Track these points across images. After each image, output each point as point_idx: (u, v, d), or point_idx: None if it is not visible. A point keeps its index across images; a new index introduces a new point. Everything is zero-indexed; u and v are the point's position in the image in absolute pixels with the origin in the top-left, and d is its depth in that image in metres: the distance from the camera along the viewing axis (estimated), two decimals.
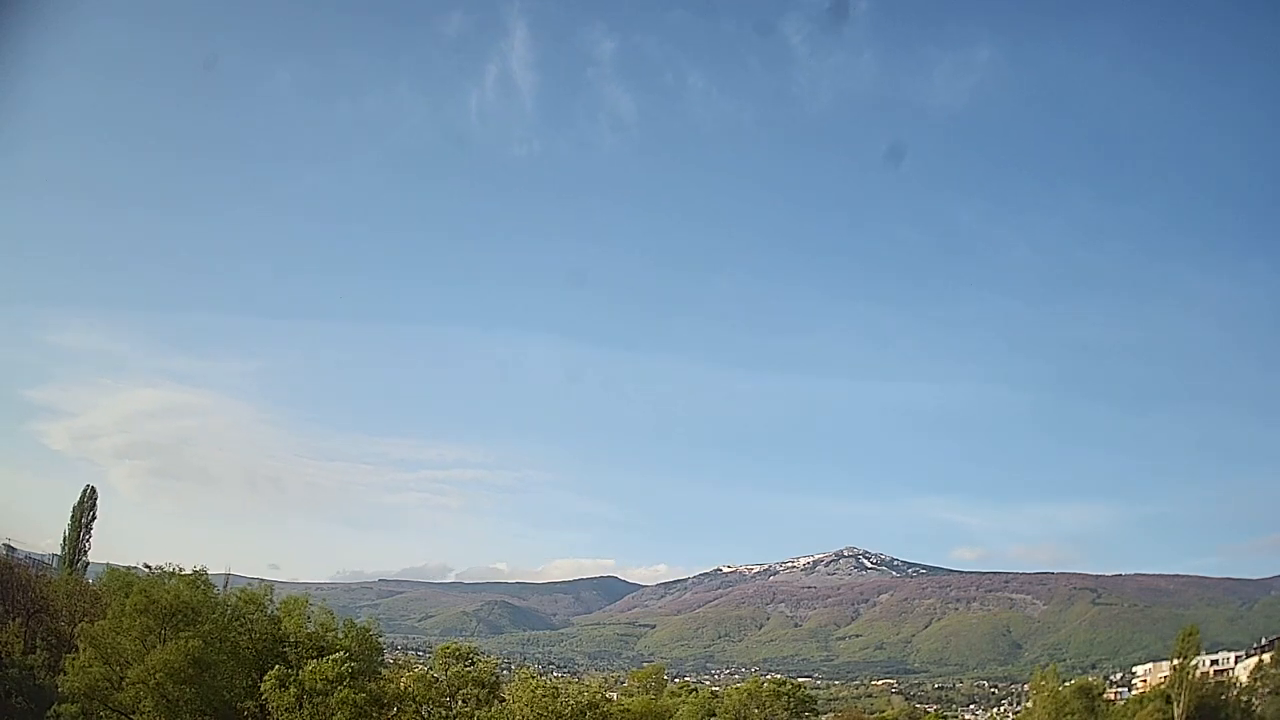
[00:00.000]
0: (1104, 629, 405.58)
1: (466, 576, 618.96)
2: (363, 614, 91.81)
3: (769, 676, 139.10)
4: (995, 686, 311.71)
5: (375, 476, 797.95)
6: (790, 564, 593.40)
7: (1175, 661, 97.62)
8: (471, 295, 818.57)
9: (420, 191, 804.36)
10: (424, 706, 58.89)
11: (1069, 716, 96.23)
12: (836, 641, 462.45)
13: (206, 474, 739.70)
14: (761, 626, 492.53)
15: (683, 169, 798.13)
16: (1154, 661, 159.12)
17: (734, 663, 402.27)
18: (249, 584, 66.58)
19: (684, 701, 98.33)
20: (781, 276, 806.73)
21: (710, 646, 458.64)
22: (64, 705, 52.86)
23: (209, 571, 59.83)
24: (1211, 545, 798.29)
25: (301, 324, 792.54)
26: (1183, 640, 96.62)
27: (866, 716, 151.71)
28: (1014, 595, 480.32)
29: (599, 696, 62.06)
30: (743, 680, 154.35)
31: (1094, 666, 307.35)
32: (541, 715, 54.95)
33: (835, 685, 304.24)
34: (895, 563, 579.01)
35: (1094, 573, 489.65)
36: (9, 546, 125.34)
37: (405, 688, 58.94)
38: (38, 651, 65.95)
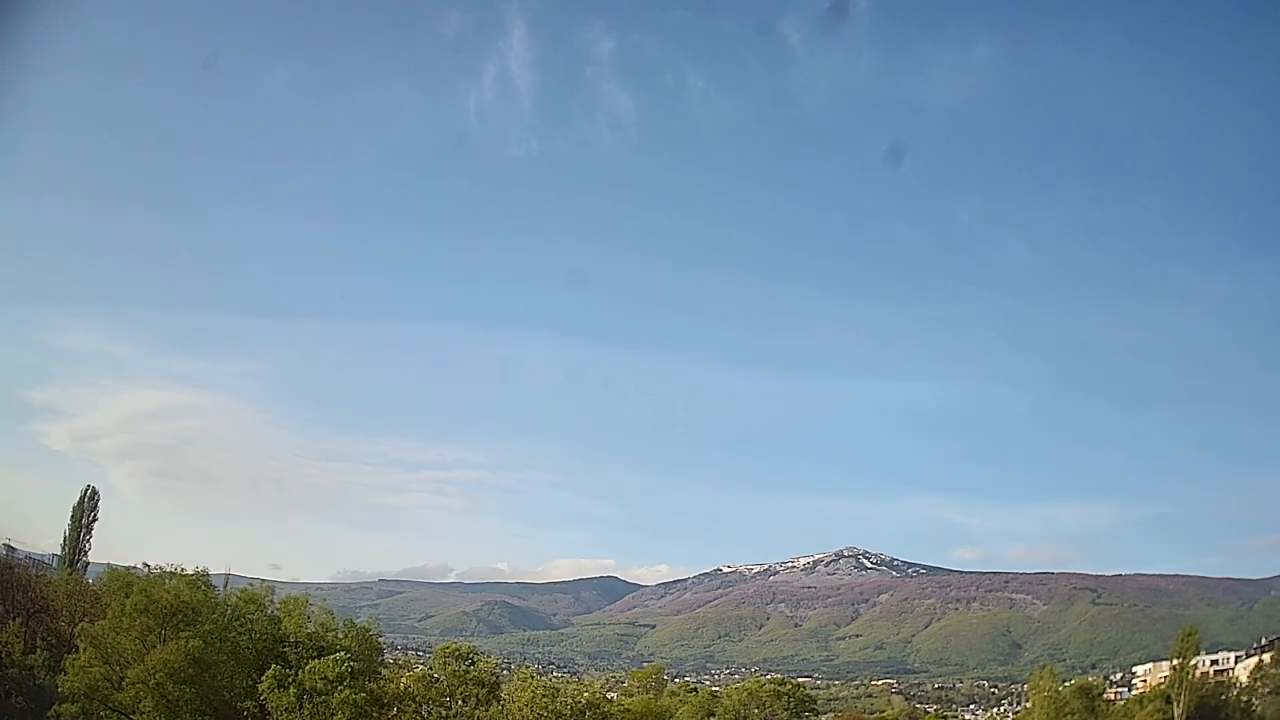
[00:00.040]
0: (1104, 629, 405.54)
1: (467, 576, 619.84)
2: (362, 614, 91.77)
3: (769, 676, 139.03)
4: (995, 686, 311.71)
5: (376, 477, 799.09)
6: (790, 564, 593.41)
7: (1175, 661, 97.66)
8: (471, 295, 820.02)
9: (419, 191, 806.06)
10: (424, 706, 58.90)
11: (1069, 716, 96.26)
12: (836, 641, 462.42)
13: (207, 474, 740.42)
14: (761, 626, 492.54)
15: (682, 168, 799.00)
16: (1154, 661, 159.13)
17: (734, 663, 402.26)
18: (249, 584, 66.62)
19: (684, 702, 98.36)
20: (780, 276, 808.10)
21: (710, 646, 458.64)
22: (64, 705, 52.88)
23: (209, 571, 60.01)
24: (1211, 545, 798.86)
25: (302, 324, 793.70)
26: (1182, 640, 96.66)
27: (866, 716, 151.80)
28: (1014, 595, 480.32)
29: (598, 696, 62.12)
30: (743, 680, 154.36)
31: (1094, 666, 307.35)
32: (541, 715, 54.96)
33: (835, 685, 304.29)
34: (895, 563, 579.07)
35: (1094, 573, 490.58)
36: (9, 546, 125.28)
37: (405, 688, 58.96)
38: (38, 651, 65.94)
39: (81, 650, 53.71)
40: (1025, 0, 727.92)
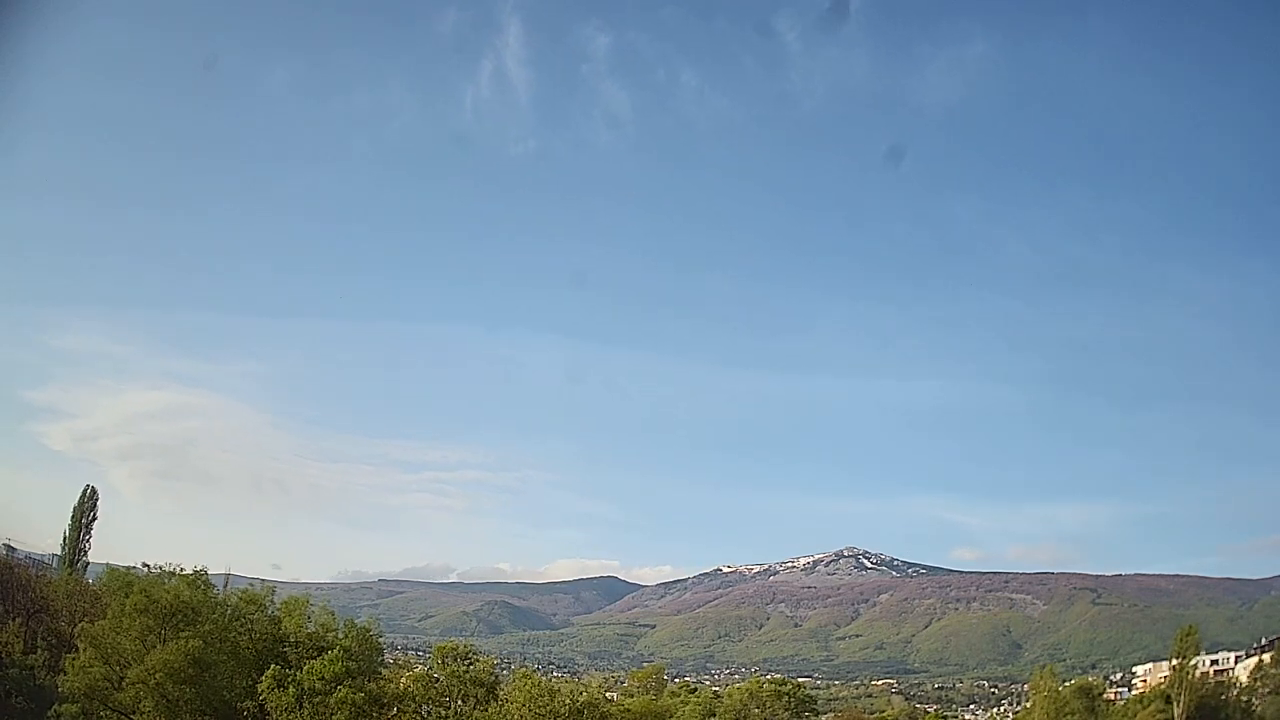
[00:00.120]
0: (1104, 629, 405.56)
1: (468, 577, 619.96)
2: (363, 614, 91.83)
3: (769, 676, 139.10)
4: (995, 686, 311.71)
5: (377, 477, 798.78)
6: (790, 564, 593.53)
7: (1175, 661, 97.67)
8: (472, 295, 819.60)
9: (418, 190, 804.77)
10: (423, 706, 58.89)
11: (1069, 716, 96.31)
12: (836, 641, 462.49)
13: (208, 475, 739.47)
14: (761, 626, 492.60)
15: (678, 167, 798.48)
16: (1154, 661, 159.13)
17: (734, 663, 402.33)
18: (249, 584, 66.65)
19: (685, 701, 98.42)
20: (781, 277, 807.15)
21: (710, 646, 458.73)
22: (64, 705, 52.92)
23: (209, 571, 60.06)
24: (1211, 545, 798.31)
25: (303, 324, 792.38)
26: (1182, 640, 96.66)
27: (866, 716, 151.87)
28: (1014, 595, 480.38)
29: (597, 696, 62.06)
30: (743, 680, 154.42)
31: (1094, 666, 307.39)
32: (540, 715, 54.92)
33: (835, 685, 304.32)
34: (895, 563, 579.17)
35: (1094, 573, 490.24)
36: (9, 546, 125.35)
37: (405, 688, 58.95)
38: (38, 651, 66.02)
39: (81, 650, 53.74)
40: None
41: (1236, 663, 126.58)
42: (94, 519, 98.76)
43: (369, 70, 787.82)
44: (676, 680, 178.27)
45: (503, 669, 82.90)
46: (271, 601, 60.14)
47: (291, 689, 49.43)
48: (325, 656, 51.62)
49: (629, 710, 67.86)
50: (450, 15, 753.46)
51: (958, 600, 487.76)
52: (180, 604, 53.43)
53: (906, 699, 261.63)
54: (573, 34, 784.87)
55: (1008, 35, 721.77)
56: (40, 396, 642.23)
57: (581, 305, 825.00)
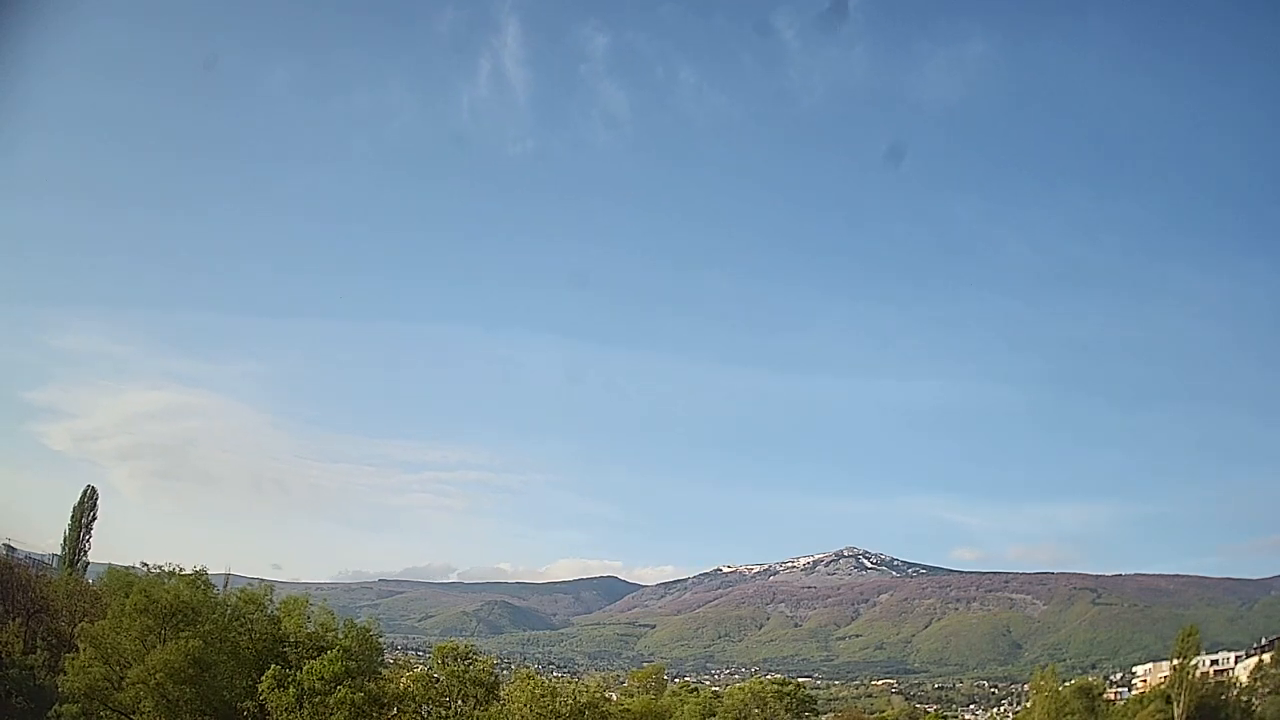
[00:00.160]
0: (1104, 629, 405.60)
1: (468, 577, 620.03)
2: (362, 614, 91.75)
3: (769, 676, 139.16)
4: (995, 686, 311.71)
5: (378, 478, 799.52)
6: (790, 564, 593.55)
7: (1175, 661, 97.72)
8: (471, 295, 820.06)
9: (417, 190, 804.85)
10: (423, 706, 58.87)
11: (1069, 716, 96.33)
12: (836, 641, 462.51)
13: (209, 475, 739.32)
14: (761, 626, 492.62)
15: (677, 166, 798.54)
16: (1154, 661, 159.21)
17: (734, 663, 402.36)
18: (249, 584, 66.66)
19: (685, 701, 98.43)
20: (780, 276, 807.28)
21: (710, 646, 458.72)
22: (64, 705, 52.94)
23: (209, 571, 60.03)
24: (1211, 545, 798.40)
25: (303, 323, 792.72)
26: (1182, 640, 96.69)
27: (866, 716, 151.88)
28: (1014, 595, 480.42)
29: (597, 696, 62.00)
30: (743, 680, 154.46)
31: (1094, 666, 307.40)
32: (541, 716, 54.91)
33: (835, 685, 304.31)
34: (895, 563, 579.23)
35: (1094, 573, 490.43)
36: (9, 546, 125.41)
37: (405, 688, 58.93)
38: (38, 651, 66.02)
39: (81, 650, 53.73)
40: None
41: (1236, 663, 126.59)
42: (94, 519, 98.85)
43: (368, 70, 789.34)
44: (676, 680, 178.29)
45: (503, 669, 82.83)
46: (271, 601, 60.11)
47: (291, 689, 49.41)
48: (325, 656, 51.59)
49: (629, 710, 67.82)
50: (448, 15, 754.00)
51: (958, 600, 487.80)
52: (180, 604, 53.41)
53: (906, 699, 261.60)
54: (571, 33, 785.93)
55: (1007, 35, 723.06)
56: (40, 396, 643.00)
57: (580, 304, 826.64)
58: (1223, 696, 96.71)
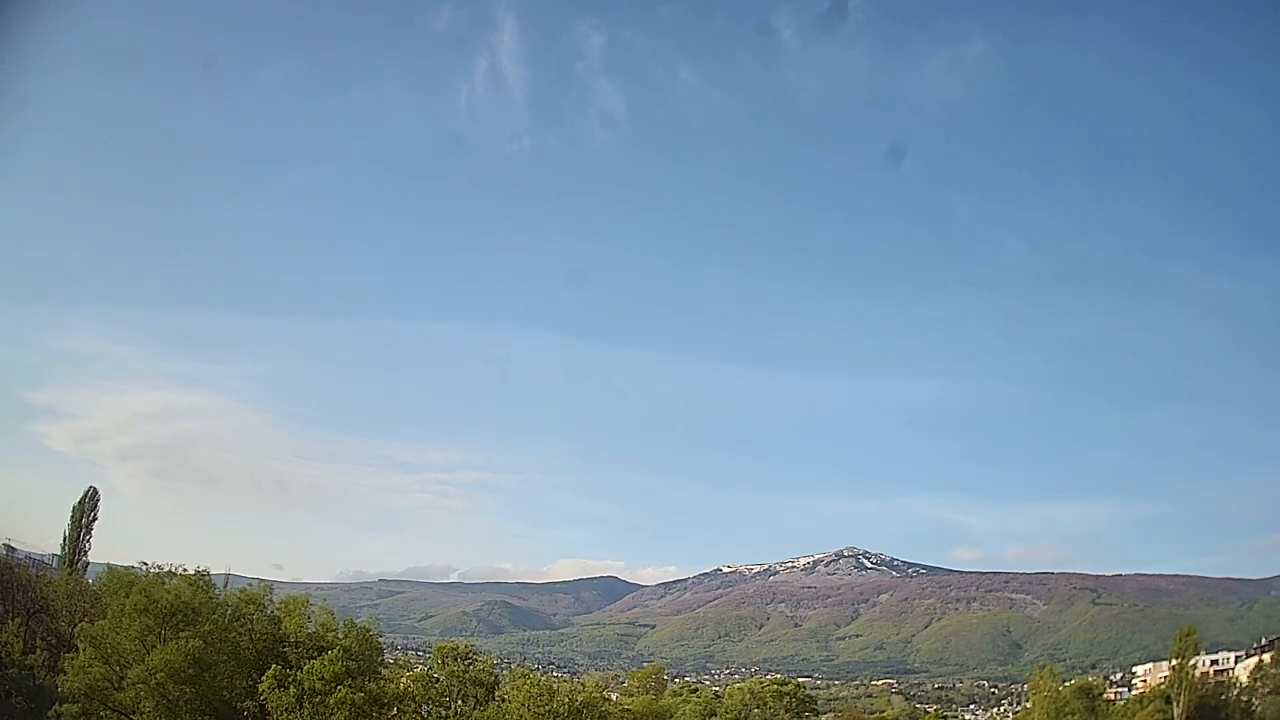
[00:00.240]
0: (1104, 629, 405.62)
1: (469, 577, 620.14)
2: (362, 614, 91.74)
3: (770, 676, 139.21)
4: (995, 686, 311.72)
5: (379, 478, 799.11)
6: (790, 564, 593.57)
7: (1175, 661, 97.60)
8: (470, 294, 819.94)
9: (418, 190, 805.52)
10: (423, 706, 58.91)
11: (1069, 716, 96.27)
12: (836, 641, 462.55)
13: (209, 475, 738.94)
14: (761, 626, 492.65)
15: (675, 165, 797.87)
16: (1154, 661, 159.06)
17: (734, 663, 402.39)
18: (249, 584, 66.64)
19: (686, 701, 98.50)
20: (778, 273, 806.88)
21: (710, 646, 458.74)
22: (64, 705, 52.91)
23: (209, 571, 60.01)
24: (1211, 545, 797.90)
25: (303, 323, 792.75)
26: (1182, 640, 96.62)
27: (866, 716, 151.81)
28: (1014, 595, 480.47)
29: (595, 696, 62.04)
30: (743, 680, 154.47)
31: (1094, 666, 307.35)
32: (539, 715, 54.92)
33: (835, 685, 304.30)
34: (895, 563, 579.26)
35: (1094, 573, 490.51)
36: (9, 546, 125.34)
37: (405, 688, 58.97)
38: (38, 651, 66.01)
39: (81, 650, 53.73)
40: None
41: (1236, 663, 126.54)
42: (94, 519, 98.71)
43: (366, 69, 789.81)
44: (676, 680, 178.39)
45: (503, 669, 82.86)
46: (271, 601, 60.11)
47: (292, 689, 49.45)
48: (325, 656, 51.62)
49: (629, 710, 67.89)
50: (445, 13, 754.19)
51: (958, 600, 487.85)
52: (180, 604, 53.40)
53: (906, 699, 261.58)
54: (567, 32, 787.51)
55: (1007, 35, 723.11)
56: (41, 397, 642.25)
57: (579, 304, 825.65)
58: (1223, 696, 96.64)
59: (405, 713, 57.30)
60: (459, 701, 59.15)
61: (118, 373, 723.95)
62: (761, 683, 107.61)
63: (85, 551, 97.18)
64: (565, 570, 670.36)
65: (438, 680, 60.78)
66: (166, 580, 57.79)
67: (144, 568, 63.07)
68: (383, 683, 57.88)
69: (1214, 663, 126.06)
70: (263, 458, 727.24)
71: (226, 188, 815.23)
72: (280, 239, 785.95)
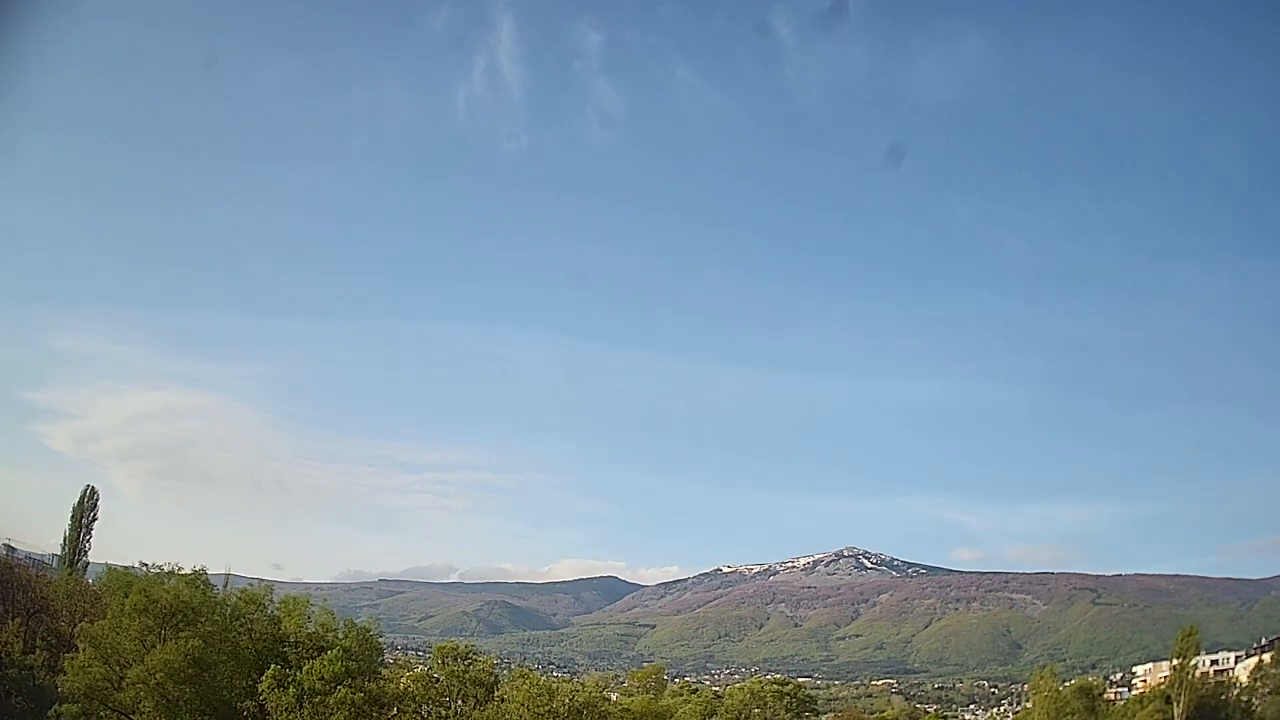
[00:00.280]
0: (1104, 629, 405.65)
1: (469, 577, 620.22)
2: (362, 614, 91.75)
3: (770, 676, 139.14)
4: (995, 686, 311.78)
5: (379, 478, 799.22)
6: (790, 564, 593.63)
7: (1175, 661, 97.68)
8: (470, 294, 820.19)
9: (417, 189, 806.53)
10: (423, 706, 58.89)
11: (1069, 716, 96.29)
12: (836, 641, 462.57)
13: (209, 475, 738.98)
14: (761, 626, 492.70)
15: (674, 163, 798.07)
16: (1154, 661, 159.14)
17: (734, 663, 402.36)
18: (249, 584, 66.66)
19: (686, 701, 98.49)
20: (777, 273, 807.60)
21: (710, 646, 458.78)
22: (64, 705, 52.88)
23: (210, 571, 60.04)
24: (1211, 545, 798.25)
25: (303, 323, 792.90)
26: (1182, 640, 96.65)
27: (866, 716, 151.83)
28: (1014, 595, 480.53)
29: (595, 696, 61.97)
30: (743, 680, 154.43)
31: (1094, 666, 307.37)
32: (538, 715, 54.89)
33: (835, 685, 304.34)
34: (895, 563, 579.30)
35: (1094, 573, 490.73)
36: (9, 546, 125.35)
37: (405, 688, 58.95)
38: (38, 651, 66.00)
39: (81, 650, 53.73)
40: None
41: (1236, 663, 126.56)
42: (94, 519, 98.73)
43: (365, 68, 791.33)
44: (676, 680, 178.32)
45: (503, 669, 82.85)
46: (271, 601, 60.12)
47: (291, 689, 49.44)
48: (325, 656, 51.61)
49: (629, 710, 67.83)
50: (444, 12, 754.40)
51: (958, 600, 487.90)
52: (180, 604, 53.42)
53: (906, 699, 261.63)
54: (565, 30, 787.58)
55: (1004, 32, 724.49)
56: (41, 397, 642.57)
57: (579, 304, 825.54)
58: (1223, 696, 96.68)
59: (405, 713, 57.28)
60: (459, 701, 59.14)
61: (118, 373, 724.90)
62: (761, 683, 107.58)
63: (85, 551, 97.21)
64: (565, 570, 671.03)
65: (438, 680, 60.76)
66: (166, 580, 57.81)
67: (144, 568, 63.15)
68: (383, 683, 57.87)
69: (1214, 663, 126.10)
70: (263, 458, 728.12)
71: (226, 188, 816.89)
72: (280, 239, 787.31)
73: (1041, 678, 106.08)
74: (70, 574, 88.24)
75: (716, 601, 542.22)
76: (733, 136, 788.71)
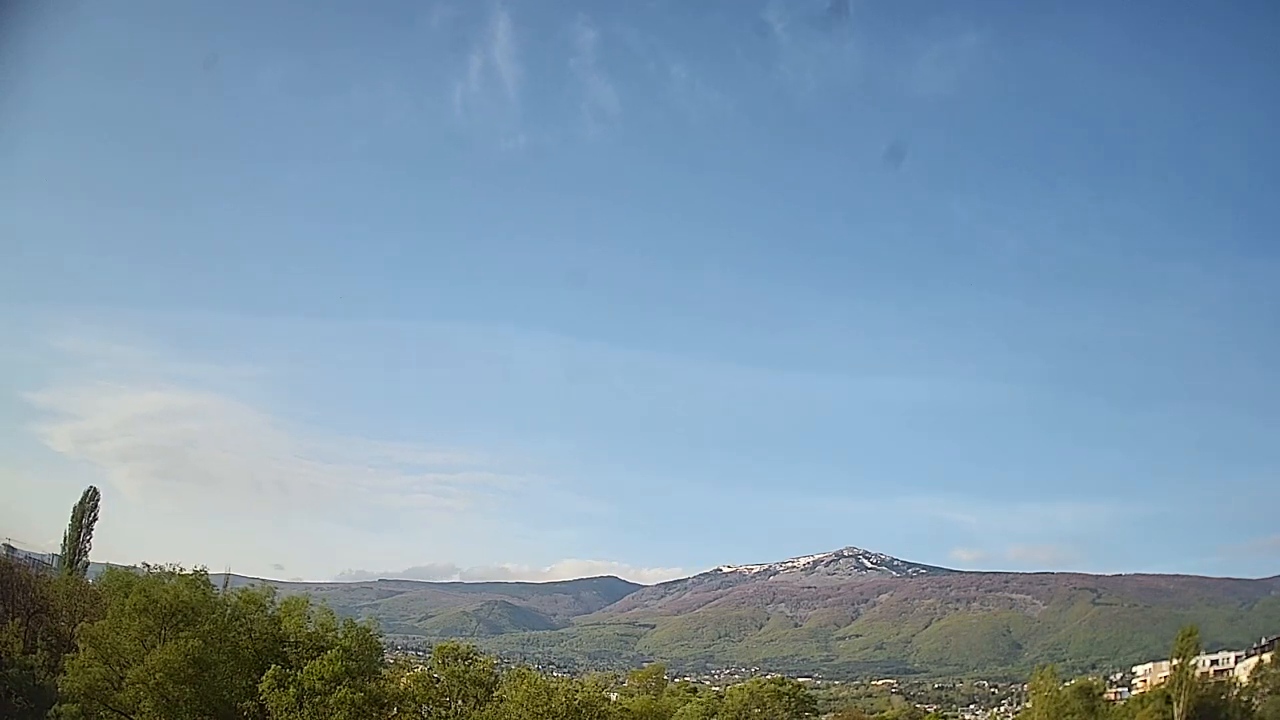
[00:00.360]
0: (1104, 629, 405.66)
1: (470, 577, 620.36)
2: (362, 614, 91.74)
3: (769, 676, 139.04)
4: (995, 686, 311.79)
5: (379, 479, 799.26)
6: (790, 564, 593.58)
7: (1175, 661, 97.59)
8: (471, 294, 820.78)
9: (414, 188, 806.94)
10: (423, 706, 58.89)
11: (1069, 716, 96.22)
12: (836, 641, 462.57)
13: (209, 476, 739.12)
14: (761, 626, 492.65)
15: (670, 161, 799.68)
16: (1154, 661, 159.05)
17: (734, 663, 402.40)
18: (250, 584, 66.70)
19: (686, 701, 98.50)
20: (777, 272, 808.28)
21: (710, 646, 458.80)
22: (64, 705, 52.90)
23: (209, 571, 60.04)
24: (1211, 545, 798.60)
25: (303, 323, 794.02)
26: (1182, 640, 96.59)
27: (866, 716, 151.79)
28: (1014, 595, 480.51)
29: (594, 695, 61.96)
30: (743, 680, 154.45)
31: (1094, 666, 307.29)
32: (537, 714, 54.89)
33: (835, 685, 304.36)
34: (895, 563, 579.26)
35: (1094, 573, 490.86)
36: (9, 547, 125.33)
37: (405, 688, 58.96)
38: (38, 651, 66.02)
39: (81, 650, 53.76)
40: None
41: (1236, 663, 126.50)
42: (95, 519, 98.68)
43: (363, 68, 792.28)
44: (676, 680, 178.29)
45: (503, 669, 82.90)
46: (271, 601, 60.14)
47: (291, 689, 49.45)
48: (325, 656, 51.63)
49: (628, 710, 67.82)
50: (440, 11, 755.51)
51: (958, 600, 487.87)
52: (180, 604, 53.44)
53: (906, 699, 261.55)
54: (561, 28, 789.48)
55: (1005, 32, 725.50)
56: (41, 398, 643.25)
57: (579, 304, 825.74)
58: (1223, 696, 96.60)
59: (405, 713, 57.29)
60: (459, 701, 59.15)
61: (118, 373, 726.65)
62: (761, 683, 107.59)
63: (85, 551, 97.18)
64: (566, 570, 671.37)
65: (438, 680, 60.77)
66: (166, 580, 57.82)
67: (144, 568, 63.15)
68: (383, 683, 57.89)
69: (1214, 663, 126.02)
70: (263, 458, 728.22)
71: (226, 188, 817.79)
72: (280, 239, 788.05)
73: (1041, 678, 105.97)
74: (70, 574, 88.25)
75: (716, 601, 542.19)
76: (730, 135, 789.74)
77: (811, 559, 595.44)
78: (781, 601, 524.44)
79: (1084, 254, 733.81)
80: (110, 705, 51.97)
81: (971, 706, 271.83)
